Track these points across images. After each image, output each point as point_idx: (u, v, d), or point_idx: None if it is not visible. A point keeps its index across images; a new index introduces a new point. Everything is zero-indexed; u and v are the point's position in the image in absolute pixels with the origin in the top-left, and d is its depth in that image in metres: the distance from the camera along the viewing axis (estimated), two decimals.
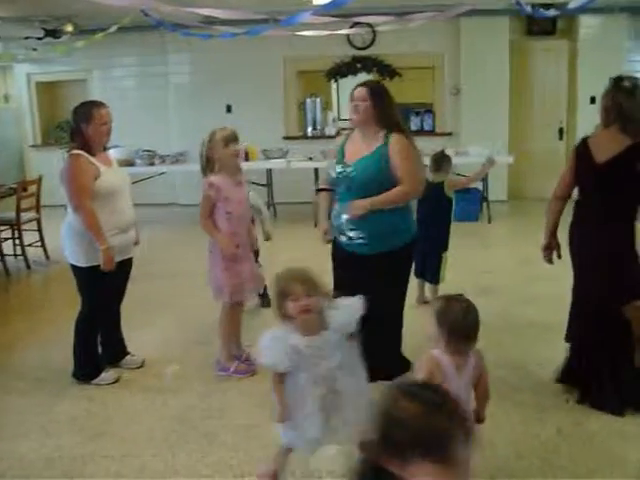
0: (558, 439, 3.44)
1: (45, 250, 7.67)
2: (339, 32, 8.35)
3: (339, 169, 3.97)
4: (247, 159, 8.92)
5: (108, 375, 4.35)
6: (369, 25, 9.32)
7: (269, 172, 9.89)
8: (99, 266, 4.02)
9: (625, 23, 10.09)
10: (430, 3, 8.42)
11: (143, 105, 11.33)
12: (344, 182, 3.94)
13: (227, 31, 7.80)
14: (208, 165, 4.25)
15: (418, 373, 2.62)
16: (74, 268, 4.17)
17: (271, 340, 2.80)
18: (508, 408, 3.75)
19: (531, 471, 3.17)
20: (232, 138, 4.25)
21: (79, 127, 4.05)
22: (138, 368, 4.52)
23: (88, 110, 4.06)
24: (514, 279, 6.39)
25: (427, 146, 8.90)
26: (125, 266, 4.36)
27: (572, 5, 6.98)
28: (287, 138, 10.93)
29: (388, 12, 8.09)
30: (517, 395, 3.90)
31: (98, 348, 4.42)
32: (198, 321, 5.26)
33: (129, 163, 9.62)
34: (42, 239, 7.70)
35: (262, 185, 9.47)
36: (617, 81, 3.65)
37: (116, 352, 4.56)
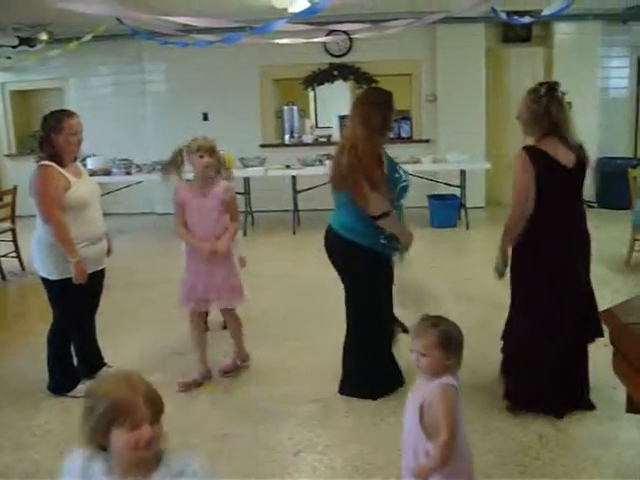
0: (539, 445, 3.44)
1: (20, 261, 7.57)
2: (315, 40, 8.35)
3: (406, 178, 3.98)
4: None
5: (84, 387, 4.28)
6: (345, 33, 9.34)
7: (247, 180, 9.84)
8: (71, 279, 3.96)
9: (599, 30, 10.21)
10: (406, 10, 8.47)
11: (119, 114, 11.27)
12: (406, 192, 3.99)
13: (203, 39, 7.77)
14: (170, 168, 4.26)
15: (440, 407, 2.36)
16: (45, 281, 4.11)
17: (65, 471, 1.83)
18: (489, 415, 3.75)
19: (512, 477, 3.17)
20: (200, 149, 4.17)
21: (49, 137, 3.97)
22: None
23: (58, 119, 3.98)
24: (493, 286, 6.35)
25: (405, 153, 9.01)
26: (97, 277, 4.30)
27: (546, 12, 7.02)
28: (264, 146, 10.90)
29: (364, 20, 8.12)
30: (498, 402, 3.89)
31: (73, 360, 4.36)
32: (174, 331, 5.17)
33: (106, 172, 9.55)
34: (17, 250, 7.60)
35: (240, 193, 9.40)
36: (550, 90, 3.53)
37: (92, 363, 4.49)
